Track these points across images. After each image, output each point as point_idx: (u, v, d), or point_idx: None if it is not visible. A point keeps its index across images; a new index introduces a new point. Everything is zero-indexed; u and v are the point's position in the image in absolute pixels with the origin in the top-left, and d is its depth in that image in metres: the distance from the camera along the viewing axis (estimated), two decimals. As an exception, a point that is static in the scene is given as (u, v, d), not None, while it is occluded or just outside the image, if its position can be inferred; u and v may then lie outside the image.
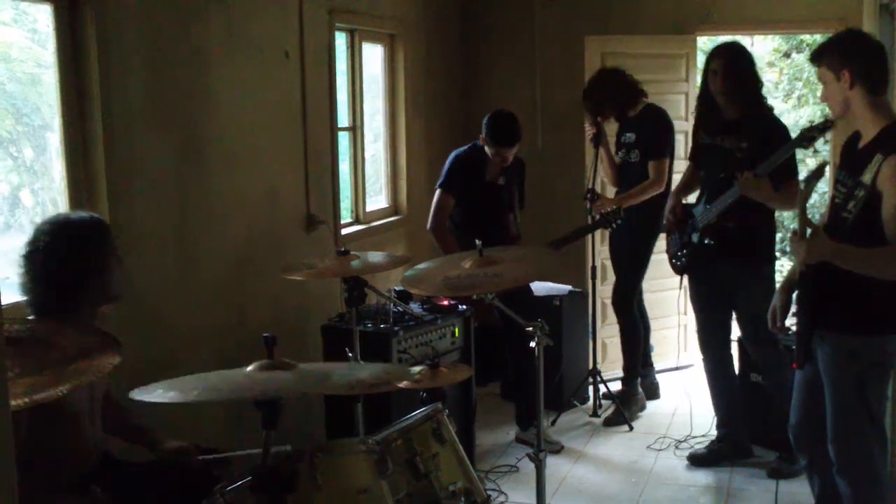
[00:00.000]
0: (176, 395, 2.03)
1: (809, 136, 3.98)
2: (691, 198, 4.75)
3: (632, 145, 5.39)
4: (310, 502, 2.37)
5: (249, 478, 2.16)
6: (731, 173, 4.26)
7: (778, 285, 3.55)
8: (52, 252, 2.63)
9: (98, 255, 2.71)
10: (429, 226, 5.00)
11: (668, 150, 5.37)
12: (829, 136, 4.65)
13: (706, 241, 4.43)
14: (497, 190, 5.00)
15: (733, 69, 4.39)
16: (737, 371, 4.85)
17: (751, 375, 4.82)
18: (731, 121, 4.41)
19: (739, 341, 4.84)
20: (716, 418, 4.82)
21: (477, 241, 3.15)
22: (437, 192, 4.98)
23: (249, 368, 2.14)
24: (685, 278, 4.70)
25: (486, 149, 4.89)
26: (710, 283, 4.57)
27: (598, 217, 5.19)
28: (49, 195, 3.49)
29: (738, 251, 4.37)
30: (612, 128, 5.58)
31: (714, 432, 4.85)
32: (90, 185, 3.45)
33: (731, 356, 4.77)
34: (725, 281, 4.49)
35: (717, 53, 4.52)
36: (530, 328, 3.09)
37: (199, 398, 2.01)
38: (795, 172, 4.32)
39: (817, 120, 8.74)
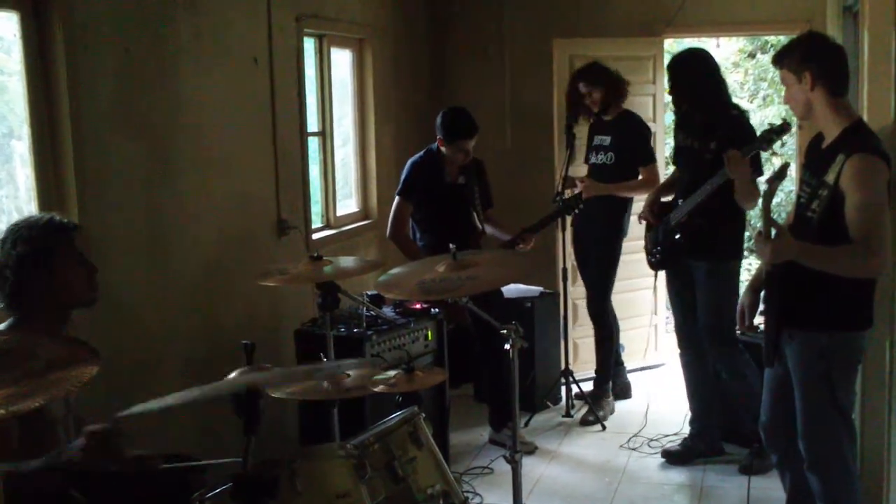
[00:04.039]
0: (154, 402, 2.01)
1: (767, 138, 4.09)
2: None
3: (606, 148, 5.43)
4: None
5: (229, 484, 2.15)
6: (700, 174, 4.34)
7: (745, 285, 3.60)
8: (5, 256, 2.60)
9: (49, 256, 2.63)
10: (388, 233, 5.02)
11: (653, 154, 5.50)
12: (787, 137, 4.76)
13: (676, 237, 4.49)
14: (458, 189, 5.02)
15: (678, 82, 4.52)
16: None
17: (722, 373, 4.85)
18: (700, 123, 4.48)
19: None
20: (689, 413, 4.87)
21: (451, 245, 3.15)
22: (396, 199, 5.00)
23: (231, 376, 2.14)
24: (660, 276, 4.77)
25: (443, 149, 4.90)
26: (684, 279, 4.62)
27: (560, 204, 5.21)
28: (14, 203, 3.45)
29: (703, 247, 4.44)
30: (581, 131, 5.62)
31: (687, 429, 4.90)
32: (60, 193, 3.41)
33: (707, 352, 4.79)
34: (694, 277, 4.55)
35: (667, 67, 4.62)
36: (505, 331, 3.10)
37: (177, 401, 2.00)
38: (760, 172, 4.41)
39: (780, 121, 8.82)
